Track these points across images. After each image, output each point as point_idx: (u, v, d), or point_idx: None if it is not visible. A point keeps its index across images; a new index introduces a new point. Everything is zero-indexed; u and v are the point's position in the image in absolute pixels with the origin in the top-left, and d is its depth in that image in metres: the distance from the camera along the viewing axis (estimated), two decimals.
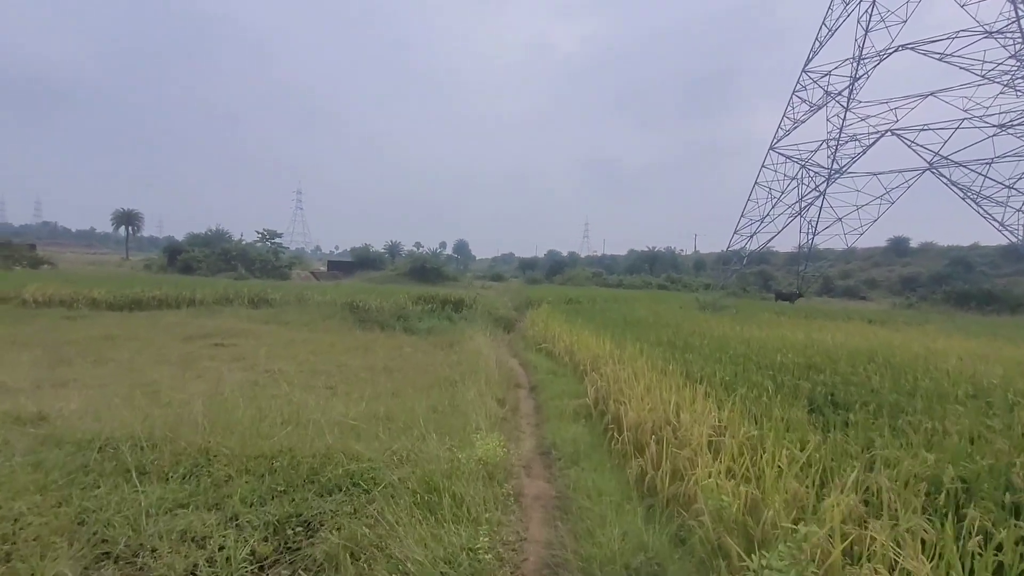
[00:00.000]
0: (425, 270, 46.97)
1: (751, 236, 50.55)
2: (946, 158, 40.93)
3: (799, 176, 49.31)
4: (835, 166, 48.31)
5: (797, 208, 49.21)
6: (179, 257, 46.02)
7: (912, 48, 43.32)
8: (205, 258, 45.41)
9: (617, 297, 26.91)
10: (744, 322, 15.98)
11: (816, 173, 49.86)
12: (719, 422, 4.79)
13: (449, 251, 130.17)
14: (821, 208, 51.73)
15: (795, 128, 48.41)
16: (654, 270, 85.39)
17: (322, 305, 16.43)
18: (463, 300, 21.93)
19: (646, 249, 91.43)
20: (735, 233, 51.28)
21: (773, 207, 49.69)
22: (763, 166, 49.30)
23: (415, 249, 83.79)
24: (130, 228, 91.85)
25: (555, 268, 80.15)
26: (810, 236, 54.07)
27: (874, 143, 45.53)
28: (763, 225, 49.80)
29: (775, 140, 48.94)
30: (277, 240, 72.34)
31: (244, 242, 62.00)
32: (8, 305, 13.95)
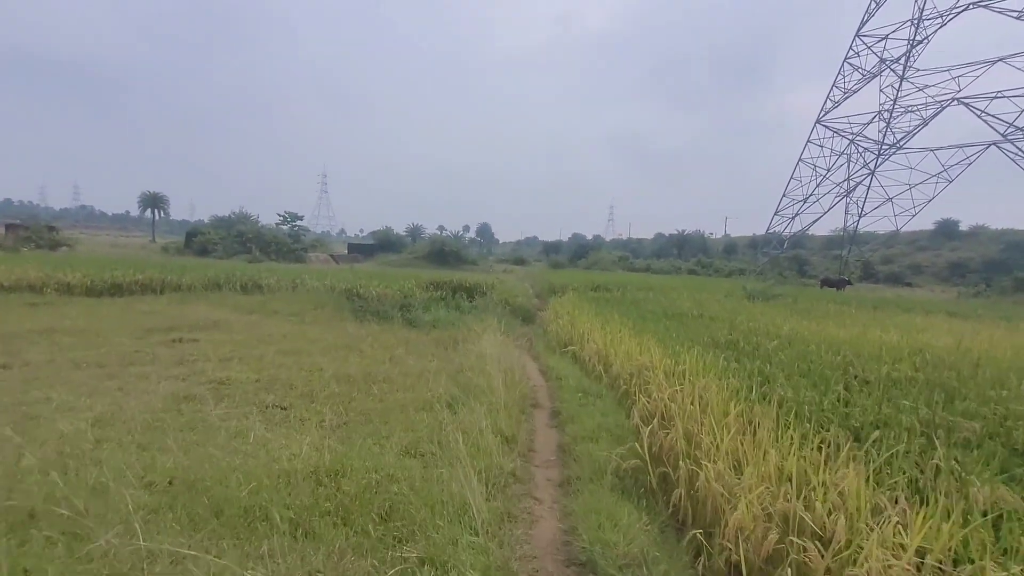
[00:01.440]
0: (444, 253, 45.09)
1: (793, 217, 46.90)
2: (1022, 129, 36.54)
3: (848, 152, 45.24)
4: (888, 141, 44.10)
5: (845, 187, 45.25)
6: (195, 239, 45.18)
7: (984, 6, 38.67)
8: (221, 240, 44.46)
9: (650, 284, 24.39)
10: (807, 315, 13.47)
11: (866, 149, 45.70)
12: (900, 523, 2.58)
13: (472, 234, 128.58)
14: (869, 187, 47.59)
15: (845, 99, 44.32)
16: (683, 254, 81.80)
17: (317, 292, 14.55)
18: (479, 286, 19.90)
19: (676, 232, 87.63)
20: (775, 214, 47.75)
21: (818, 186, 45.84)
22: (808, 141, 45.43)
23: (438, 232, 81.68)
24: (156, 210, 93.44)
25: (579, 252, 77.52)
26: (856, 218, 49.97)
27: (936, 115, 41.21)
28: (806, 206, 46.06)
29: (822, 113, 44.93)
30: (299, 222, 71.79)
31: (261, 224, 61.38)
32: None
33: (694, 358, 6.31)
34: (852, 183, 45.79)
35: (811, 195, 45.75)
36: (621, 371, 6.53)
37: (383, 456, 4.21)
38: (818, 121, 44.97)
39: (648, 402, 5.12)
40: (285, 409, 5.69)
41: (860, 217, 49.48)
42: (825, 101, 44.79)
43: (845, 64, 43.72)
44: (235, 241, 44.32)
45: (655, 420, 4.50)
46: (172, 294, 14.63)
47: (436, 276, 21.86)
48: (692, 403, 4.50)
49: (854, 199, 48.72)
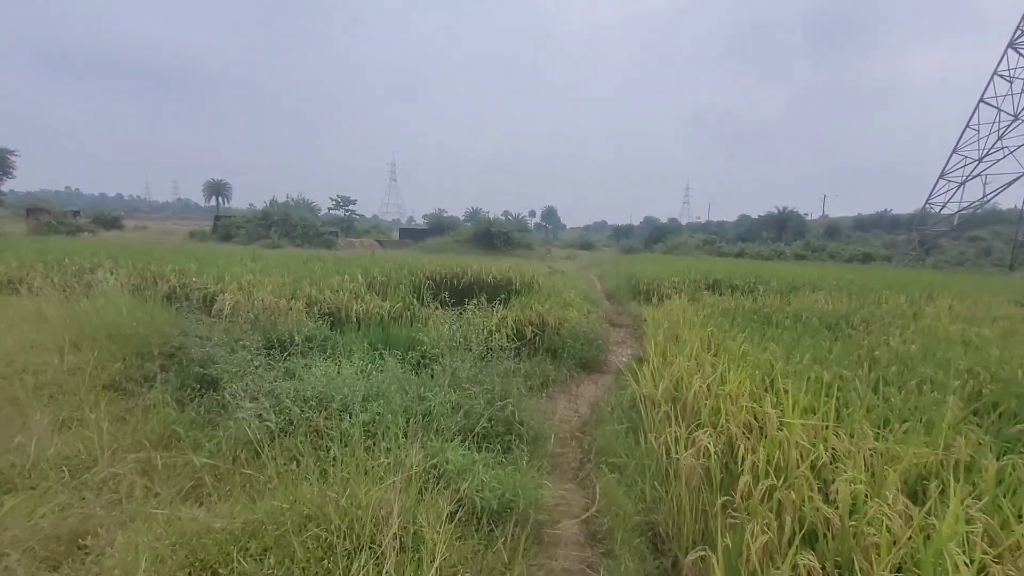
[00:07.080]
0: (490, 235, 37.30)
1: (963, 182, 34.10)
2: None
3: None
4: None
5: None
6: (219, 224, 40.82)
7: None
8: (246, 223, 39.63)
9: (807, 278, 14.44)
10: None
11: None
12: None
13: (538, 219, 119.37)
14: None
15: None
16: (783, 236, 68.39)
17: (116, 300, 6.97)
18: (511, 281, 11.87)
19: (772, 211, 73.53)
20: (940, 178, 35.13)
21: (1000, 138, 32.77)
22: (995, 73, 32.45)
23: (503, 217, 73.75)
24: (220, 198, 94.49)
25: (655, 235, 66.86)
26: None
27: None
28: (985, 166, 33.07)
29: (1017, 33, 31.78)
30: (351, 207, 67.21)
31: (320, 211, 57.33)
32: None
33: None
34: None
35: (993, 148, 32.73)
36: None
37: None
38: (1010, 45, 31.91)
39: None
40: None
41: None
42: (1022, 20, 31.59)
43: None
44: (260, 225, 39.23)
45: None
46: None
47: (458, 264, 13.96)
48: None
49: None
